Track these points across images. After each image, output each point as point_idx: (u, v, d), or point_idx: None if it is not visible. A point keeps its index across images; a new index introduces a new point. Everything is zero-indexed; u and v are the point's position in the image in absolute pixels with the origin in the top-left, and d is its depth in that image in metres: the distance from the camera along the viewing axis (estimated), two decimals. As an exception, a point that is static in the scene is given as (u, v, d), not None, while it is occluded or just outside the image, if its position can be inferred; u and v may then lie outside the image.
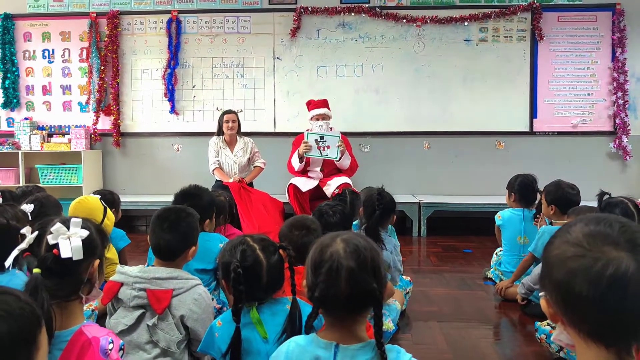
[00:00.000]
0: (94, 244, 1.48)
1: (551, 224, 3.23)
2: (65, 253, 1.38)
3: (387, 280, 1.31)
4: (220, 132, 5.22)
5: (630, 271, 0.85)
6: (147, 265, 1.99)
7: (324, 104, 5.19)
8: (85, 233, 1.43)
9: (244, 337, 1.61)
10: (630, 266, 0.85)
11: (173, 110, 5.93)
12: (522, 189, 3.50)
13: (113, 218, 2.88)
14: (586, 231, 0.92)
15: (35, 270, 1.34)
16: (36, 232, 1.43)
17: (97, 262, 1.48)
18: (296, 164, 5.05)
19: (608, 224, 0.92)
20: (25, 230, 1.45)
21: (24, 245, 1.40)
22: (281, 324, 1.61)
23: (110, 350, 1.37)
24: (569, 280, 0.89)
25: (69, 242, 1.40)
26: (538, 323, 2.42)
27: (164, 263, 1.92)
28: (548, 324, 2.32)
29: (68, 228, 1.42)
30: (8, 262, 1.82)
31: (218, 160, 5.17)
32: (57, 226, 1.40)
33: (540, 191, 3.39)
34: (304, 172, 5.13)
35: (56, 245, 1.39)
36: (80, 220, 1.45)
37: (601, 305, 0.86)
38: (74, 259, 1.40)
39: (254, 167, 5.27)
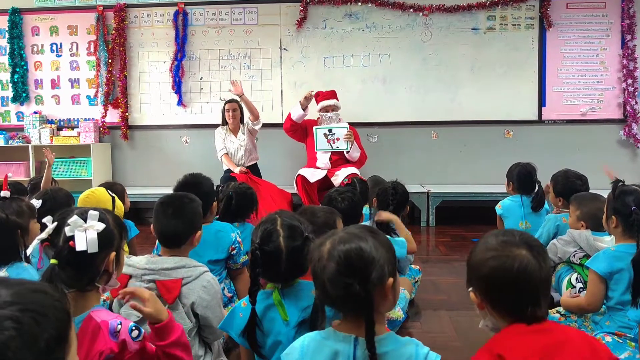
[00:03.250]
0: (111, 236, 1.49)
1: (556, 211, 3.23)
2: (80, 246, 1.39)
3: (385, 276, 1.23)
4: (224, 121, 5.26)
5: (530, 264, 1.23)
6: (154, 254, 1.99)
7: (332, 95, 5.19)
8: (101, 226, 1.44)
9: (269, 317, 1.62)
10: (530, 260, 1.23)
11: (180, 102, 5.95)
12: (521, 178, 3.50)
13: (122, 208, 2.90)
14: (499, 239, 1.29)
15: (52, 261, 1.37)
16: (55, 223, 1.44)
17: (113, 254, 1.49)
18: (296, 112, 5.05)
19: (511, 234, 1.30)
20: (47, 220, 1.46)
21: (43, 235, 1.42)
22: (303, 307, 1.61)
23: (119, 331, 1.39)
24: (492, 274, 1.25)
25: (84, 234, 1.41)
26: None
27: (170, 251, 1.93)
28: (557, 312, 2.32)
29: (85, 220, 1.43)
30: (29, 252, 1.84)
31: (226, 147, 5.22)
32: (74, 218, 1.41)
33: (539, 181, 3.39)
34: (312, 163, 5.14)
35: (72, 237, 1.40)
36: (97, 213, 1.46)
37: (513, 289, 1.24)
38: (89, 251, 1.41)
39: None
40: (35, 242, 1.45)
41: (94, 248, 1.41)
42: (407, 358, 1.23)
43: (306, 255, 1.65)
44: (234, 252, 2.43)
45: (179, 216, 1.92)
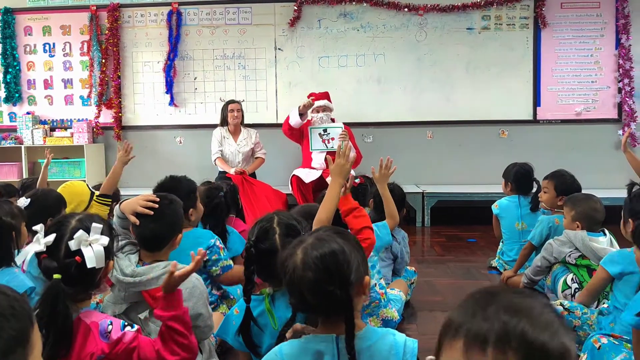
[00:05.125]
0: (110, 246, 1.49)
1: (550, 212, 3.22)
2: (90, 262, 1.39)
3: (362, 275, 1.25)
4: (224, 122, 5.23)
5: None
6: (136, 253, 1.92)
7: (324, 96, 5.16)
8: (106, 240, 1.43)
9: (262, 323, 1.61)
10: None
11: (172, 102, 5.91)
12: (518, 179, 3.48)
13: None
14: None
15: (56, 276, 1.34)
16: (53, 235, 1.40)
17: (111, 263, 1.50)
18: (294, 118, 4.98)
19: None
20: (38, 227, 1.43)
21: (41, 247, 1.39)
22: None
23: (110, 332, 1.38)
24: None
25: (91, 249, 1.39)
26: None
27: (151, 254, 1.88)
28: (561, 304, 2.30)
29: (88, 232, 1.41)
30: (19, 260, 1.80)
31: (221, 150, 5.19)
32: (80, 233, 1.40)
33: (537, 180, 3.37)
34: (307, 163, 5.12)
35: (78, 252, 1.39)
36: (101, 225, 1.44)
37: None
38: (97, 267, 1.41)
39: (255, 158, 5.28)
40: (30, 254, 1.42)
41: (101, 263, 1.41)
42: (388, 348, 1.24)
43: None
44: (205, 258, 2.29)
45: (159, 219, 1.86)
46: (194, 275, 1.84)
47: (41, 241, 1.40)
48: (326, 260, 1.21)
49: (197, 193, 2.58)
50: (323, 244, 1.24)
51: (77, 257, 1.38)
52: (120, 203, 1.96)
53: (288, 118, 5.10)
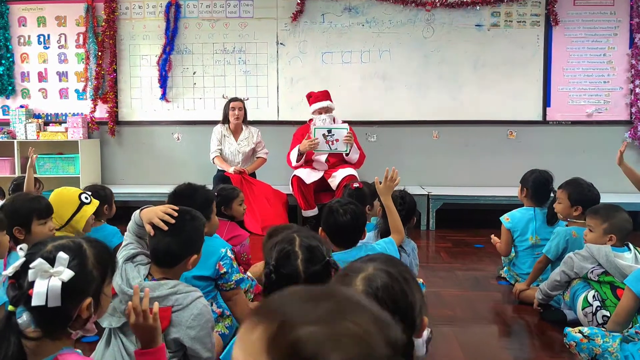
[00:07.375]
0: (87, 280, 1.25)
1: (567, 224, 3.03)
2: (36, 299, 1.16)
3: (422, 316, 1.10)
4: (225, 119, 5.05)
5: None
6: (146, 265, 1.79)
7: (325, 96, 4.95)
8: (68, 275, 1.19)
9: None
10: None
11: (164, 97, 5.71)
12: (536, 186, 3.26)
13: (87, 214, 2.62)
14: None
15: (10, 308, 1.17)
16: (23, 259, 1.22)
17: (88, 301, 1.25)
18: (294, 159, 4.84)
19: None
20: (19, 248, 1.26)
21: (9, 271, 1.21)
22: None
23: None
24: None
25: (46, 284, 1.17)
26: (568, 329, 2.21)
27: (161, 270, 1.75)
28: (580, 332, 2.12)
29: (53, 263, 1.20)
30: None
31: (220, 149, 5.02)
32: (38, 262, 1.18)
33: (555, 190, 3.17)
34: (308, 163, 4.94)
35: (33, 285, 1.18)
36: (67, 257, 1.21)
37: None
38: (49, 305, 1.17)
39: (257, 157, 5.11)
40: (1, 278, 1.26)
41: (55, 302, 1.18)
42: None
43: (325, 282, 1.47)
44: (223, 270, 2.16)
45: (176, 234, 1.73)
46: (202, 301, 1.69)
47: (14, 264, 1.23)
48: (397, 298, 1.04)
49: (214, 205, 2.40)
50: (385, 274, 1.07)
51: (30, 291, 1.17)
52: (142, 209, 1.82)
53: (289, 156, 4.91)
